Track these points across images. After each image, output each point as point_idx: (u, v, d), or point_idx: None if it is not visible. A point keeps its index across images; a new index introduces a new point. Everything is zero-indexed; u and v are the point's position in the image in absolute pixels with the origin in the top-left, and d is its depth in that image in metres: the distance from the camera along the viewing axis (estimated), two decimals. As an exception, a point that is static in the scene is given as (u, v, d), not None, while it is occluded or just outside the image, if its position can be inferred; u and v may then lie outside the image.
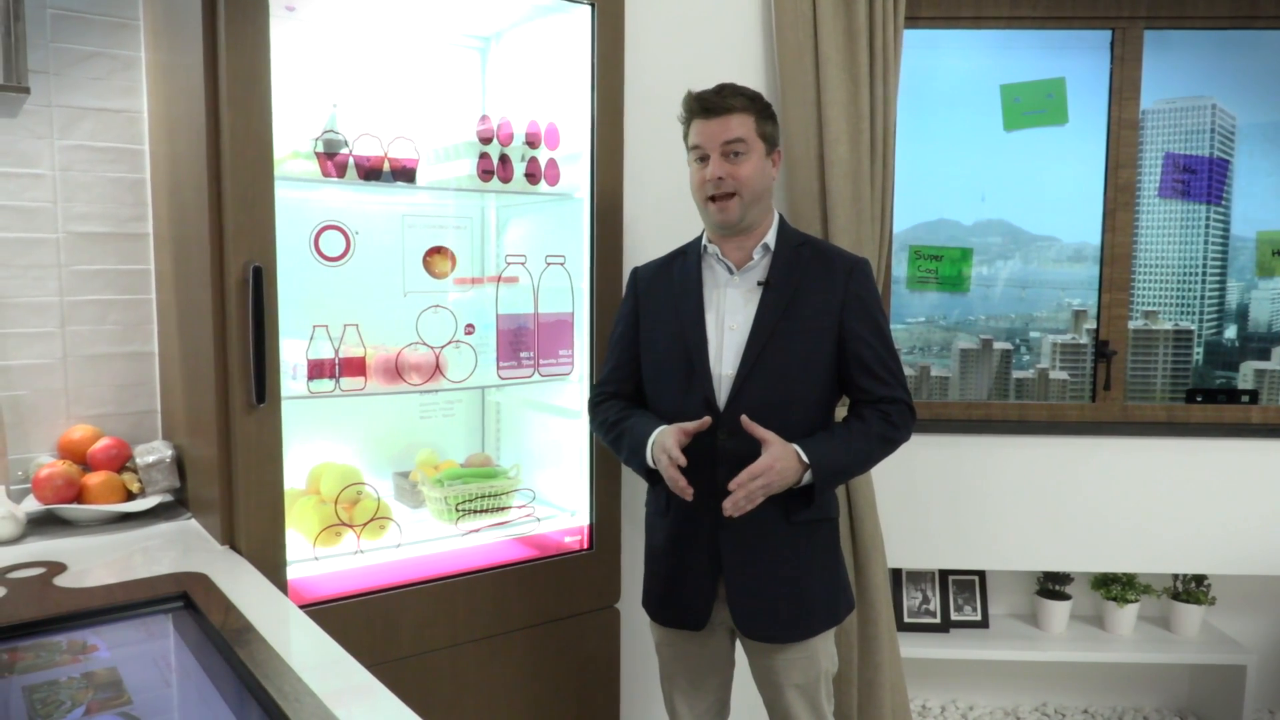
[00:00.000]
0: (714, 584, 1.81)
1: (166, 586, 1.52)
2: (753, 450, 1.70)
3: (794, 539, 1.77)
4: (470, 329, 2.09)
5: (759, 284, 1.78)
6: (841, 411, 1.85)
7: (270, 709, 1.13)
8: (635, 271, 1.96)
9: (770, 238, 1.82)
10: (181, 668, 1.30)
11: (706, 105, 1.76)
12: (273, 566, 1.73)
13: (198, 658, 1.32)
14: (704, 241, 1.86)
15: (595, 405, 1.97)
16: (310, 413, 2.16)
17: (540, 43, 2.27)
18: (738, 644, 1.92)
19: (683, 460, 1.68)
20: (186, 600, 1.48)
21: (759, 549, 1.77)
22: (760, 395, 1.73)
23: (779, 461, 1.66)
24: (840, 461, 1.73)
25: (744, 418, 1.69)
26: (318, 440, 2.23)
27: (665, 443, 1.71)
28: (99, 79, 2.03)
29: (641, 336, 1.89)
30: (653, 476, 1.82)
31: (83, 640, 1.36)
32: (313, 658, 1.30)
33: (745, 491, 1.65)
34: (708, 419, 1.71)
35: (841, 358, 1.77)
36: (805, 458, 1.68)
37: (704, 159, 1.77)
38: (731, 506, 1.67)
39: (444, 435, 2.48)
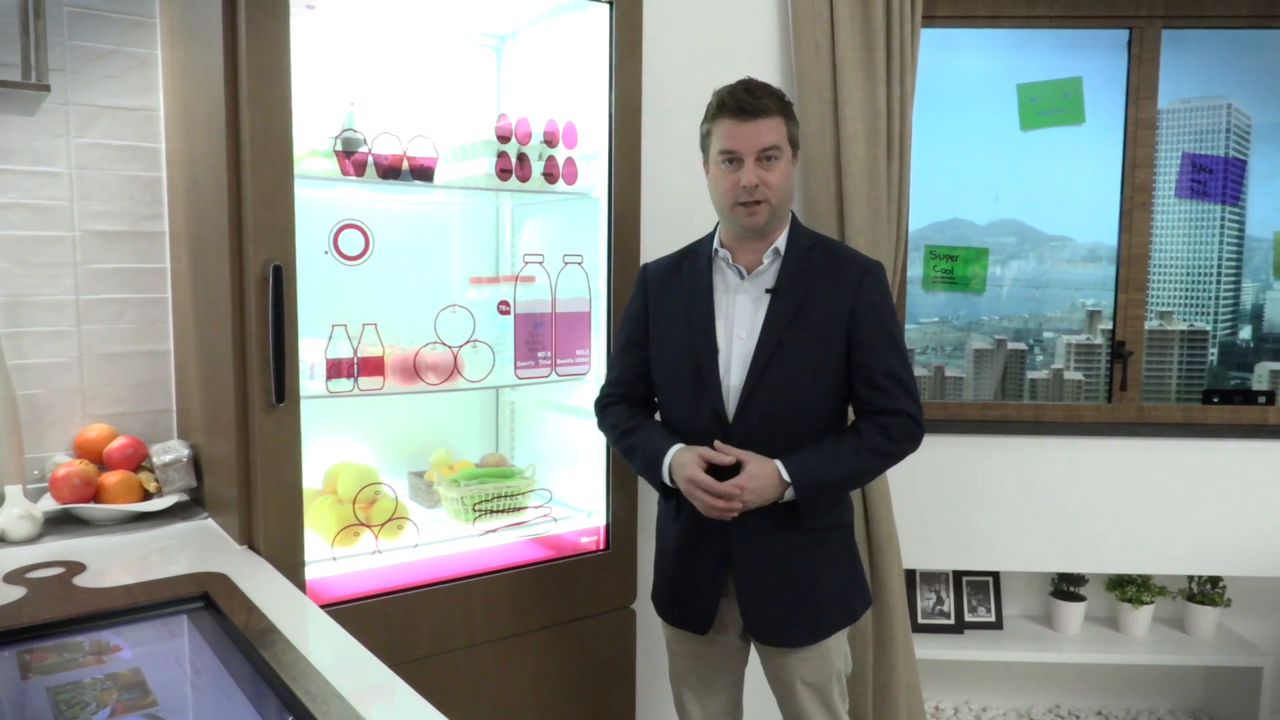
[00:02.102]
0: (723, 586, 1.80)
1: (187, 586, 1.51)
2: (765, 455, 1.70)
3: (805, 545, 1.76)
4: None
5: (767, 291, 1.75)
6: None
7: (298, 711, 1.12)
8: (644, 269, 1.92)
9: (781, 241, 1.77)
10: (205, 668, 1.29)
11: (743, 106, 1.67)
12: (291, 566, 1.72)
13: (221, 658, 1.31)
14: (715, 245, 1.81)
15: (603, 408, 1.94)
16: (326, 412, 2.16)
17: (557, 41, 2.26)
18: (750, 642, 1.91)
19: (719, 489, 1.67)
20: (207, 600, 1.48)
21: (770, 556, 1.75)
22: (768, 406, 1.71)
23: (753, 480, 1.66)
24: (825, 477, 1.70)
25: (717, 442, 1.70)
26: (332, 439, 2.22)
27: (694, 475, 1.70)
28: (115, 77, 2.02)
29: (652, 341, 1.86)
30: (667, 491, 1.81)
31: (105, 641, 1.35)
32: (337, 658, 1.29)
33: (722, 505, 1.67)
34: (732, 459, 1.70)
35: (849, 365, 1.74)
36: (786, 476, 1.67)
37: (734, 162, 1.70)
38: (704, 510, 1.70)
39: (458, 435, 2.47)
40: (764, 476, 1.67)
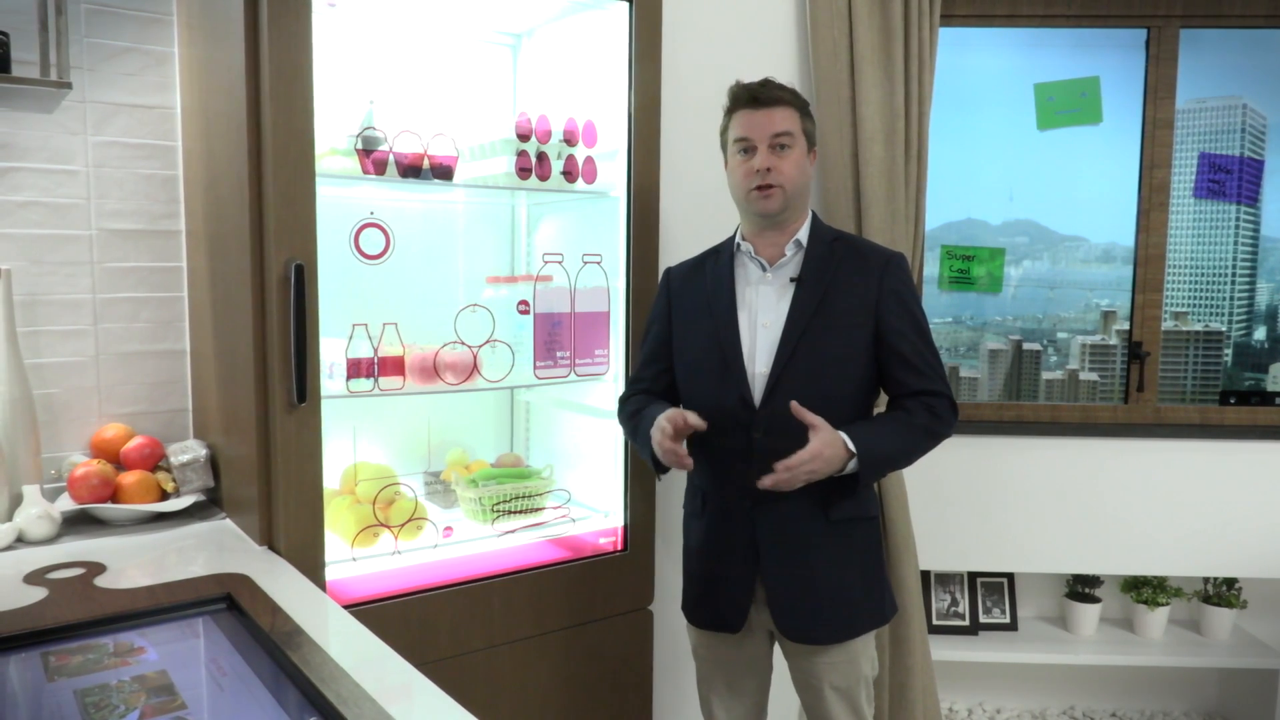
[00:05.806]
0: (752, 585, 1.79)
1: (209, 587, 1.50)
2: (790, 448, 1.67)
3: (833, 538, 1.75)
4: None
5: (791, 280, 1.76)
6: (880, 409, 1.83)
7: (328, 713, 1.10)
8: (668, 271, 1.95)
9: (803, 234, 1.80)
10: (231, 670, 1.28)
11: (755, 95, 1.75)
12: (312, 567, 1.71)
13: (247, 660, 1.30)
14: (737, 240, 1.84)
15: (624, 401, 1.95)
16: (341, 411, 2.14)
17: (575, 39, 2.25)
18: (776, 647, 1.90)
19: (670, 430, 1.68)
20: (230, 602, 1.46)
21: (798, 549, 1.75)
22: (795, 392, 1.70)
23: (827, 448, 1.62)
24: (886, 451, 1.70)
25: (794, 404, 1.65)
26: (347, 439, 2.21)
27: (660, 421, 1.70)
28: (132, 75, 2.01)
29: (675, 337, 1.88)
30: (659, 466, 1.79)
31: (129, 642, 1.34)
32: (364, 659, 1.28)
33: (789, 476, 1.62)
34: (704, 424, 1.70)
35: (879, 353, 1.75)
36: (852, 446, 1.65)
37: (748, 150, 1.75)
38: (771, 482, 1.62)
39: (473, 434, 2.46)
40: (835, 444, 1.64)
